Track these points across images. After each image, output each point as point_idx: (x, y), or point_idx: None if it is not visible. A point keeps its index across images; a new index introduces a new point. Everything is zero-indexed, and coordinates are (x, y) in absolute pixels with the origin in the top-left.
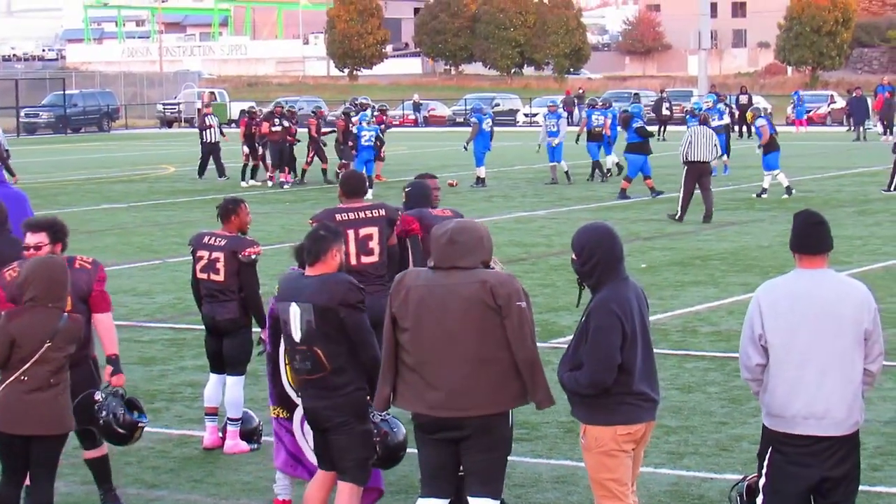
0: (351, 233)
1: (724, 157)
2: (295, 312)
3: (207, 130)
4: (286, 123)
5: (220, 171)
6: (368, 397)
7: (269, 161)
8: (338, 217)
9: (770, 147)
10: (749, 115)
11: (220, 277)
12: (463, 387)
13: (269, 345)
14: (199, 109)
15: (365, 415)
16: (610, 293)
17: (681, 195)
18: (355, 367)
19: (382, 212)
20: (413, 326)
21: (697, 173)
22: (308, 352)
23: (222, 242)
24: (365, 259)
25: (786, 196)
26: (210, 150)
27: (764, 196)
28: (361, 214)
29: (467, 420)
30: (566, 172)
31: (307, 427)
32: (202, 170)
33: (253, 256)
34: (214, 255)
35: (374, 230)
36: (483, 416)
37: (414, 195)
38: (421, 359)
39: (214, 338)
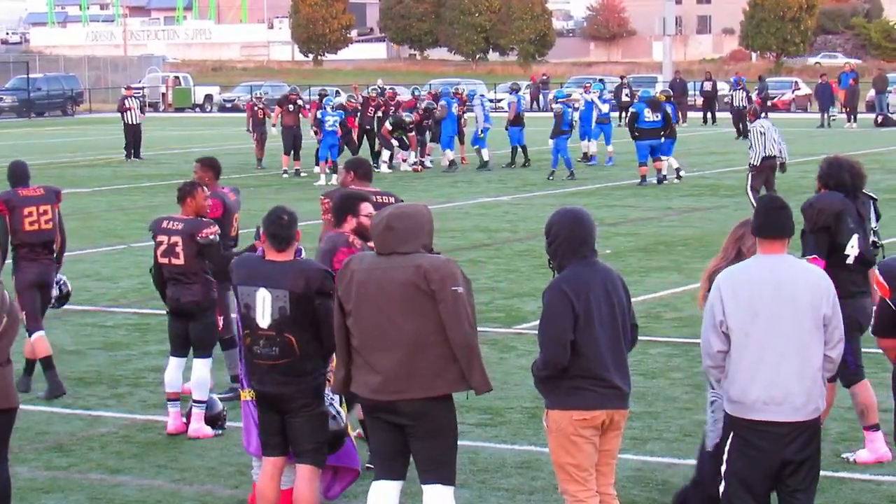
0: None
1: (609, 148)
2: (264, 297)
3: (127, 112)
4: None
5: (137, 152)
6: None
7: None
8: (348, 194)
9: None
10: (661, 96)
11: (181, 261)
12: (399, 371)
13: (241, 328)
14: (128, 88)
15: (323, 397)
16: (566, 274)
17: (751, 198)
18: (319, 352)
19: (392, 199)
20: (354, 310)
21: (769, 169)
22: (277, 337)
23: (179, 226)
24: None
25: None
26: (133, 131)
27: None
28: (377, 200)
29: (404, 403)
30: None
31: None
32: (129, 151)
33: (210, 237)
34: (173, 239)
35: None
36: (419, 399)
37: (10, 176)
38: (362, 342)
39: (178, 320)
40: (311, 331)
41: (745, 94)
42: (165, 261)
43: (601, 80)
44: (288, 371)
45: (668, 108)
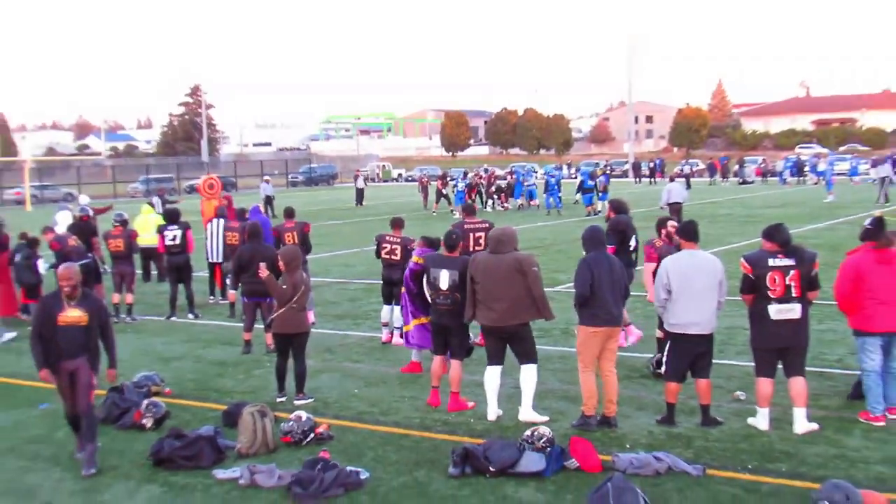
0: (471, 235)
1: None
2: (444, 274)
3: (356, 180)
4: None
5: (361, 202)
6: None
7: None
8: (466, 226)
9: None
10: (598, 170)
11: (398, 258)
12: (506, 311)
13: (413, 287)
14: (356, 170)
15: (467, 328)
16: (587, 257)
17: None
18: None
19: (487, 224)
20: (481, 280)
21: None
22: (451, 295)
23: (398, 240)
24: (477, 248)
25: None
26: (359, 192)
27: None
28: (477, 225)
29: (508, 328)
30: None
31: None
32: (357, 202)
33: (415, 247)
34: (394, 246)
35: (483, 234)
36: (517, 325)
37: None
38: (484, 297)
39: (388, 286)
40: (464, 292)
41: (690, 168)
42: (388, 257)
43: (567, 165)
44: (453, 312)
45: (602, 178)
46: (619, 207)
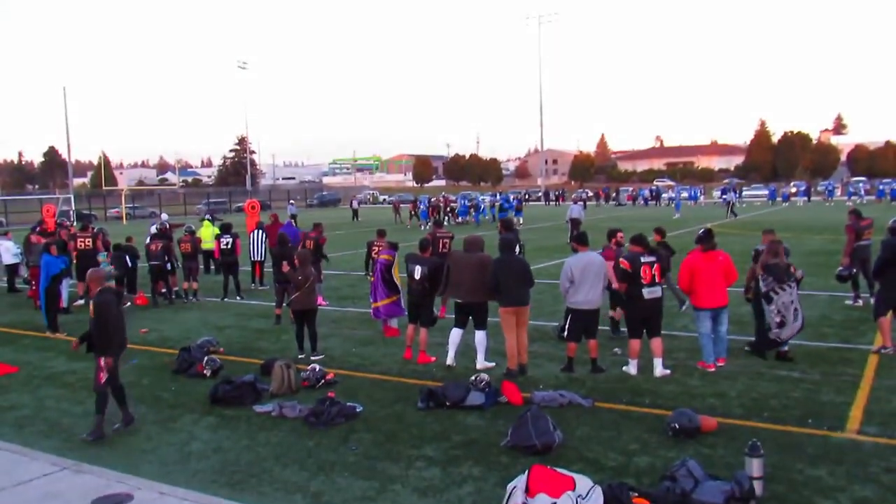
0: (440, 241)
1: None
2: (419, 268)
3: (351, 202)
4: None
5: (356, 218)
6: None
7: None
8: (437, 234)
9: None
10: (514, 197)
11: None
12: (468, 291)
13: (383, 276)
14: (353, 196)
15: (433, 305)
16: (499, 257)
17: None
18: (434, 291)
19: (451, 234)
20: (455, 270)
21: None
22: (422, 283)
23: (384, 245)
24: (443, 250)
25: None
26: (354, 211)
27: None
28: (444, 234)
29: (470, 304)
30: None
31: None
32: (353, 217)
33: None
34: (379, 248)
35: (448, 240)
36: (476, 303)
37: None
38: (456, 281)
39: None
40: (432, 282)
41: (585, 194)
42: (376, 256)
43: (499, 193)
44: (422, 295)
45: (514, 202)
46: (507, 226)
